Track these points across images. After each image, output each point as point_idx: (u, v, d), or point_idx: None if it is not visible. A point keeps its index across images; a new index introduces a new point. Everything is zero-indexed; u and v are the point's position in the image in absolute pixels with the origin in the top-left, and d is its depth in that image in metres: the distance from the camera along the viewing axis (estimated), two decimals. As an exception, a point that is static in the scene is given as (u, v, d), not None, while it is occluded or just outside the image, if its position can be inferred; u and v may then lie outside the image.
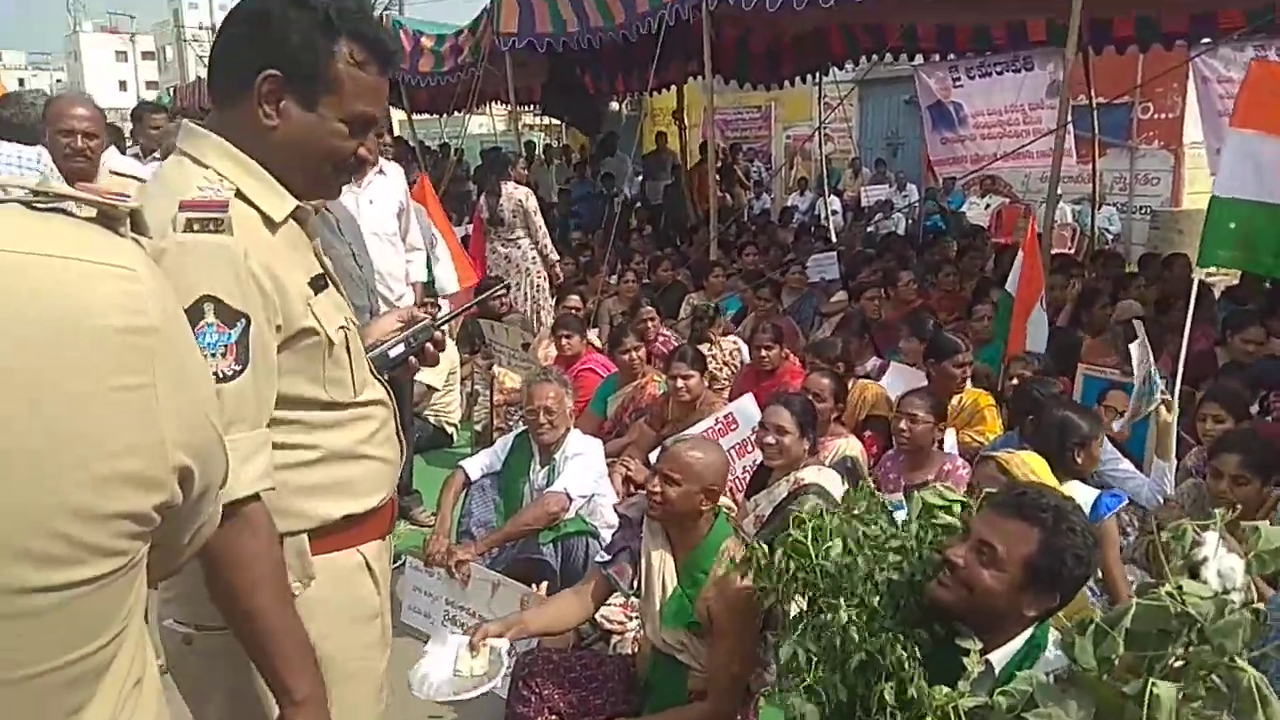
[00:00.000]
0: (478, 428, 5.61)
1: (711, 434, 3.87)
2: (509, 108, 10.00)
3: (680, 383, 4.28)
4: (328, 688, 1.33)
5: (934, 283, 6.77)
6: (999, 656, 1.83)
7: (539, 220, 6.67)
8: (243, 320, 1.23)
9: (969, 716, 1.67)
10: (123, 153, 4.35)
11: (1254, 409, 3.96)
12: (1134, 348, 3.74)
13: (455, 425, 5.86)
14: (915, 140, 13.93)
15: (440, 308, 5.01)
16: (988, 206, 12.24)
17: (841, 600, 1.90)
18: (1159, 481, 3.42)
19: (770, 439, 3.33)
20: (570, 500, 3.54)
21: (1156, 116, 12.46)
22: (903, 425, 3.58)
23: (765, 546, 2.15)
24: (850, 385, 4.39)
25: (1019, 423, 3.77)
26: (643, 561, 2.65)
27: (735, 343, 5.72)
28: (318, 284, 1.39)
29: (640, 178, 12.20)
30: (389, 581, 1.61)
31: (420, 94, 10.95)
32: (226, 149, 1.32)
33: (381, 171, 4.07)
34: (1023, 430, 3.70)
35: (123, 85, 61.41)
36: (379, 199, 3.98)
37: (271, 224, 1.33)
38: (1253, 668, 1.50)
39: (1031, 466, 2.63)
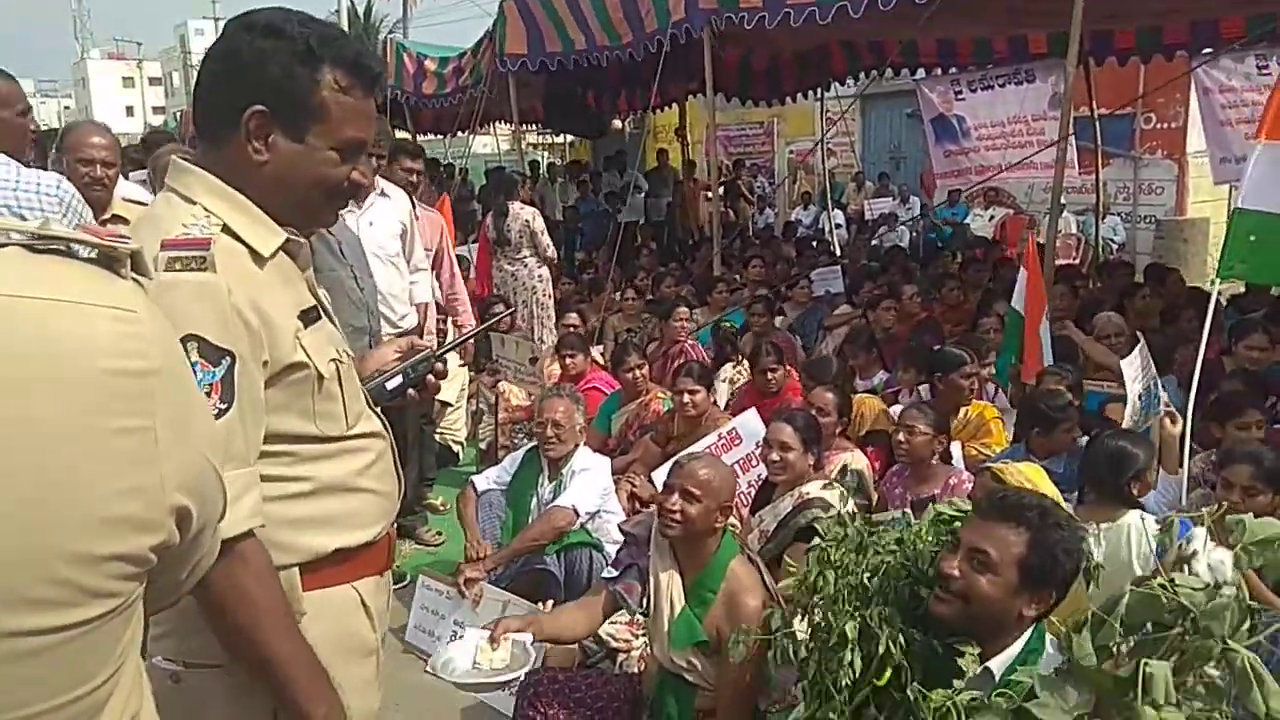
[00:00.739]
0: (482, 445, 5.61)
1: (715, 449, 3.87)
2: (513, 127, 10.05)
3: (686, 397, 4.28)
4: None
5: (938, 296, 6.76)
6: (998, 663, 1.85)
7: (546, 239, 6.74)
8: (227, 358, 1.22)
9: (969, 712, 1.67)
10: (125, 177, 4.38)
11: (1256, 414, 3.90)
12: (1125, 363, 3.71)
13: (461, 443, 5.87)
14: (917, 153, 13.98)
15: (447, 333, 5.02)
16: (992, 218, 12.23)
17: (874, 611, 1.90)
18: (1165, 493, 3.39)
19: (775, 455, 3.33)
20: (577, 516, 3.56)
21: (1159, 126, 12.47)
22: (901, 438, 3.57)
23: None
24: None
25: (1025, 435, 3.76)
26: (651, 581, 2.64)
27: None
28: (308, 317, 1.37)
29: (643, 195, 12.24)
30: (385, 622, 1.58)
31: (424, 115, 11.02)
32: (214, 184, 1.32)
33: (384, 194, 4.08)
34: (1029, 443, 3.69)
35: (129, 111, 61.80)
36: (379, 220, 3.99)
37: (259, 258, 1.31)
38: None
39: (1028, 476, 2.61)
